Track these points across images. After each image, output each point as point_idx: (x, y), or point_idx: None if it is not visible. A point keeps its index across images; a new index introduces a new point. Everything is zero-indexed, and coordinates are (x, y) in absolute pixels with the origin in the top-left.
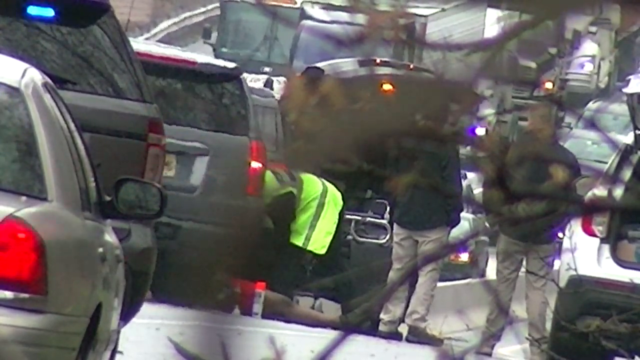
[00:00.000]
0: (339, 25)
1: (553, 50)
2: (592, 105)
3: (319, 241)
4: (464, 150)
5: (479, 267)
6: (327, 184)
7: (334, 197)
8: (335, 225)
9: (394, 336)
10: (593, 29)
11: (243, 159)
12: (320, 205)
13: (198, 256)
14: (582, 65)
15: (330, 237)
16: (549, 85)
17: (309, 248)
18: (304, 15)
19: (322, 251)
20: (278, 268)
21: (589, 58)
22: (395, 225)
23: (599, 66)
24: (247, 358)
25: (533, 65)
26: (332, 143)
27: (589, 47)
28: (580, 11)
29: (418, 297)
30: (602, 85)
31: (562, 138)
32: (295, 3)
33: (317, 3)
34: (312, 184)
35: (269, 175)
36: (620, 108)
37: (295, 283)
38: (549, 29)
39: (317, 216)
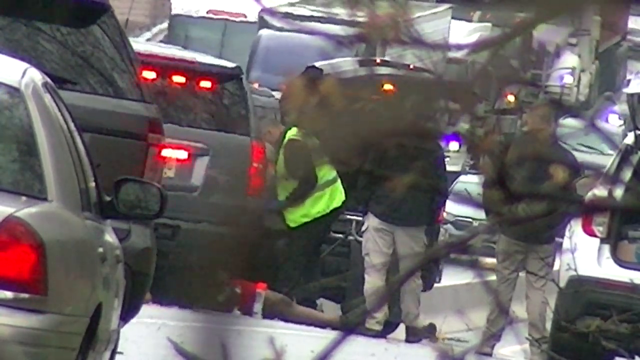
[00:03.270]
0: (300, 34)
1: (516, 64)
2: (564, 122)
3: (294, 218)
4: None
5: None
6: (339, 181)
7: (337, 190)
8: (318, 214)
9: (380, 335)
10: (573, 40)
11: (243, 159)
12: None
13: (198, 256)
14: (561, 78)
15: (306, 220)
16: (511, 98)
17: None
18: (263, 25)
19: (292, 225)
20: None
21: (569, 70)
22: (375, 219)
23: (579, 78)
24: (247, 358)
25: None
26: (332, 143)
27: (568, 59)
28: (562, 18)
29: (411, 297)
30: (582, 98)
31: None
32: (246, 17)
33: (277, 12)
34: (327, 171)
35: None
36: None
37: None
38: (516, 43)
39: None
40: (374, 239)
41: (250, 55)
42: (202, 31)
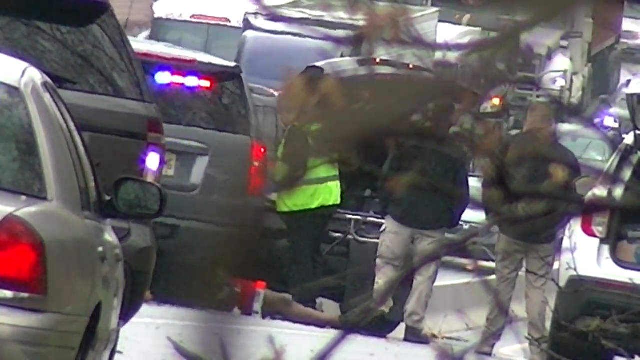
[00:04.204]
0: (286, 36)
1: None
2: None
3: (283, 203)
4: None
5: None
6: (336, 181)
7: (323, 191)
8: (294, 206)
9: (380, 335)
10: (564, 43)
11: (243, 159)
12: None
13: (198, 256)
14: (553, 81)
15: (285, 209)
16: (496, 101)
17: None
18: (248, 27)
19: (281, 208)
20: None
21: (561, 73)
22: (392, 222)
23: (572, 81)
24: (247, 358)
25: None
26: (332, 143)
27: (560, 62)
28: (554, 20)
29: (418, 298)
30: (575, 101)
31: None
32: (230, 21)
33: (262, 14)
34: (324, 169)
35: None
36: (582, 130)
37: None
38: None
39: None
40: (390, 241)
41: (237, 58)
42: (185, 35)
